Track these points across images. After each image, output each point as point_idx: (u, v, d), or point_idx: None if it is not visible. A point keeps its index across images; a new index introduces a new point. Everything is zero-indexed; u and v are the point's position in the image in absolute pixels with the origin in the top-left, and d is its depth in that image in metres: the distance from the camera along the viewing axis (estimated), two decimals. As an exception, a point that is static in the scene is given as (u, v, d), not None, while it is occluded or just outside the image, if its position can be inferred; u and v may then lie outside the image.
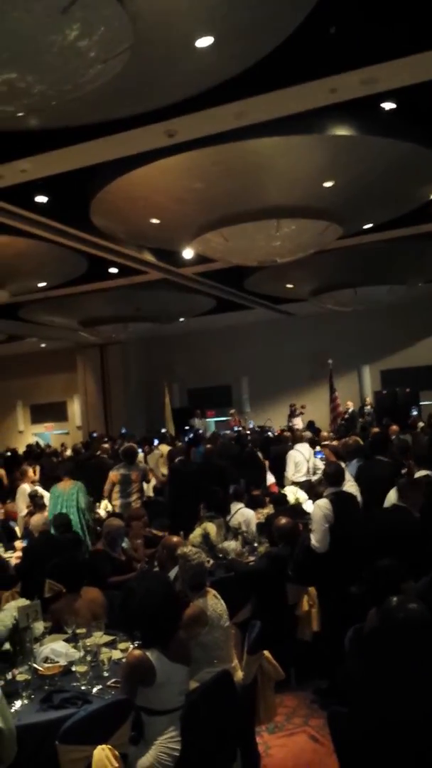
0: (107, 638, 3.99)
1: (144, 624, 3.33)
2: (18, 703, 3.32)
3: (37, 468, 11.21)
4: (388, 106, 6.37)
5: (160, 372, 20.04)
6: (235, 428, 16.29)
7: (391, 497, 5.24)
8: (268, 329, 19.26)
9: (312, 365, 17.99)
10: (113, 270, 11.82)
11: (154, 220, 9.04)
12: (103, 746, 2.92)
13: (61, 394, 22.35)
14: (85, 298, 13.74)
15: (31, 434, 22.50)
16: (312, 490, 7.38)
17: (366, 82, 5.49)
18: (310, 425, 15.23)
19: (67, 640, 3.98)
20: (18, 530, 8.19)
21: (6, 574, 5.93)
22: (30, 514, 8.04)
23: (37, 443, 19.69)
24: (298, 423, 15.92)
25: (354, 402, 16.99)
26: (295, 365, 18.71)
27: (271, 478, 10.19)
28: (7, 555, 6.86)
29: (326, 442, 10.05)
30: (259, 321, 18.77)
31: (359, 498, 5.70)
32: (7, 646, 3.83)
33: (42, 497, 8.19)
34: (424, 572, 4.01)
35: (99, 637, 3.92)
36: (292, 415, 16.72)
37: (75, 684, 3.49)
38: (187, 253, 10.58)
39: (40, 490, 8.67)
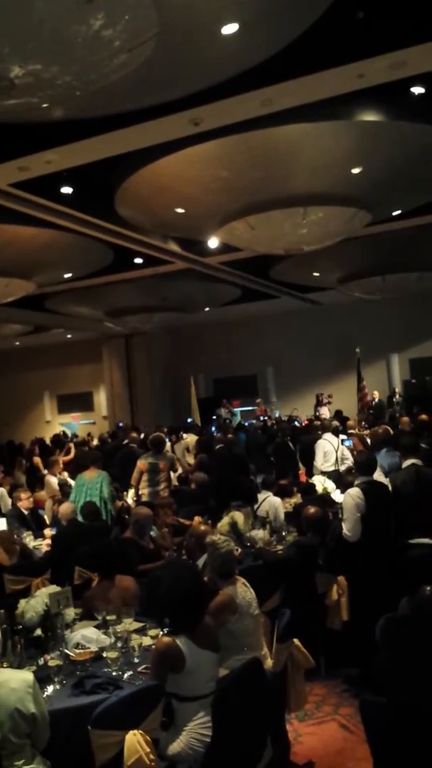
0: (137, 625, 4.03)
1: (170, 610, 3.36)
2: (50, 689, 3.37)
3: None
4: (417, 90, 6.26)
5: (185, 362, 20.09)
6: (262, 417, 16.28)
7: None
8: (294, 318, 19.16)
9: (339, 354, 17.87)
10: (138, 260, 11.84)
11: (180, 210, 9.02)
12: (135, 731, 2.94)
13: (87, 384, 22.54)
14: (111, 288, 13.79)
15: (57, 424, 22.74)
16: (340, 479, 7.35)
17: (394, 66, 5.41)
18: (338, 414, 15.17)
19: (97, 627, 4.03)
20: (47, 518, 8.29)
21: (36, 562, 6.01)
22: (59, 502, 8.14)
23: (64, 433, 19.90)
24: (325, 412, 15.85)
25: (382, 391, 16.84)
26: (322, 354, 18.60)
27: (301, 468, 10.19)
28: (36, 543, 6.94)
29: (352, 431, 9.99)
30: (285, 310, 18.67)
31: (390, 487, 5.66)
32: (38, 632, 3.88)
33: (70, 486, 8.28)
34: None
35: (129, 624, 3.96)
36: (319, 404, 16.64)
37: (106, 670, 3.54)
38: (213, 243, 10.55)
39: (68, 479, 8.77)
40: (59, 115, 5.88)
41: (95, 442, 15.12)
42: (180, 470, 10.35)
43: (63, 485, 8.73)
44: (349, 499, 5.04)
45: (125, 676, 3.47)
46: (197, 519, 6.18)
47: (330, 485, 7.44)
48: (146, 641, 3.80)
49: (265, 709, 3.51)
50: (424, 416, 10.70)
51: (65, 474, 10.01)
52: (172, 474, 8.76)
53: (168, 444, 10.27)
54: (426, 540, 5.04)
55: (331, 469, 8.79)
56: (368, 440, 8.66)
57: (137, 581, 4.58)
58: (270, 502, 6.79)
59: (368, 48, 5.18)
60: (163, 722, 3.28)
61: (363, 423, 12.68)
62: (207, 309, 17.13)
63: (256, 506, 6.90)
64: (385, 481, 5.77)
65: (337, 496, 7.01)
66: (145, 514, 5.97)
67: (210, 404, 18.78)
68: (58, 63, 4.63)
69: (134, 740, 2.92)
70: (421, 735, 2.72)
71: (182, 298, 15.24)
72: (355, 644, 4.92)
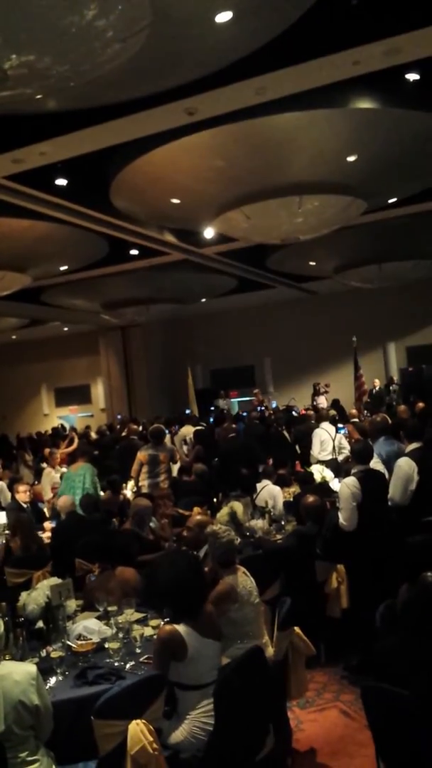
0: (138, 615, 4.04)
1: (170, 598, 3.38)
2: (53, 680, 3.39)
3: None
4: (412, 77, 6.24)
5: (182, 353, 20.07)
6: (259, 408, 16.29)
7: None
8: (290, 308, 19.15)
9: (336, 343, 17.86)
10: (134, 252, 11.82)
11: (175, 200, 9.00)
12: (138, 721, 2.96)
13: (84, 377, 22.53)
14: (107, 280, 13.76)
15: (55, 417, 22.73)
16: (339, 468, 7.37)
17: (389, 53, 5.38)
18: (335, 404, 15.18)
19: (98, 618, 4.05)
20: (46, 511, 8.32)
21: (37, 555, 6.03)
22: (57, 495, 8.19)
23: (62, 426, 19.90)
24: (323, 402, 15.85)
25: (379, 380, 16.86)
26: (319, 344, 18.60)
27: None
28: (36, 535, 6.96)
29: (355, 420, 9.99)
30: (281, 300, 18.66)
31: (387, 476, 5.68)
32: (40, 624, 3.90)
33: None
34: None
35: (130, 614, 3.97)
36: (317, 393, 16.65)
37: (108, 660, 3.55)
38: (209, 233, 10.53)
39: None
40: (53, 107, 5.85)
41: (93, 435, 15.13)
42: (179, 461, 10.37)
43: (62, 478, 8.73)
44: (345, 488, 5.05)
45: (127, 666, 3.49)
46: (196, 510, 6.20)
47: (328, 474, 7.45)
48: (148, 631, 3.81)
49: (267, 697, 3.53)
50: (421, 404, 10.70)
51: (64, 467, 10.02)
52: (172, 465, 8.78)
53: (168, 436, 10.29)
54: None
55: (329, 458, 8.82)
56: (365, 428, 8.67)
57: (137, 572, 4.60)
58: (269, 491, 6.82)
59: (363, 35, 5.15)
60: (166, 711, 3.30)
61: (365, 411, 12.68)
62: (203, 300, 17.11)
63: (254, 495, 6.92)
64: (383, 469, 5.79)
65: (335, 485, 7.03)
66: (145, 505, 5.99)
67: (208, 395, 18.77)
68: (52, 53, 4.60)
69: (137, 730, 2.93)
70: (422, 721, 2.74)
71: (179, 289, 15.22)
72: (355, 631, 4.95)
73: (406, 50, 5.40)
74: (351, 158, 7.83)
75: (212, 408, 17.46)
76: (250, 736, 3.36)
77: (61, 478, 9.04)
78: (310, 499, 5.64)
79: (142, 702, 3.05)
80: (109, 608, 4.06)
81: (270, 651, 3.90)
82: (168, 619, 3.45)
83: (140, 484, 8.23)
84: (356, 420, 10.97)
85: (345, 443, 8.98)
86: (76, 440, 12.40)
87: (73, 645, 3.72)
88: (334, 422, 9.59)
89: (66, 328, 20.50)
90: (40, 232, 9.72)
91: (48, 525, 7.25)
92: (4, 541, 6.76)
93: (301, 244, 10.77)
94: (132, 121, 6.20)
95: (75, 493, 7.43)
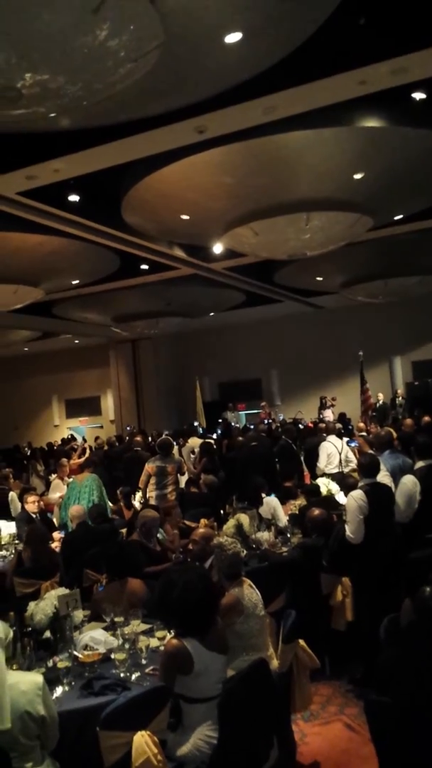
0: (144, 626, 4.07)
1: (182, 616, 3.36)
2: (59, 690, 3.41)
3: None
4: (418, 96, 6.32)
5: (191, 366, 20.15)
6: (266, 421, 16.31)
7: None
8: (297, 322, 19.21)
9: (342, 357, 17.90)
10: (144, 266, 11.92)
11: (185, 216, 9.09)
12: (143, 732, 2.98)
13: (94, 389, 22.65)
14: (118, 294, 13.87)
15: (66, 428, 22.84)
16: (344, 481, 7.38)
17: (396, 72, 5.45)
18: (342, 417, 15.18)
19: (105, 629, 4.08)
20: (55, 521, 8.36)
21: (45, 565, 6.06)
22: (62, 505, 8.27)
23: (72, 436, 19.99)
24: (329, 415, 15.87)
25: (385, 393, 16.87)
26: (325, 358, 18.64)
27: (305, 470, 10.23)
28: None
29: (363, 433, 9.99)
30: (288, 314, 18.72)
31: (394, 489, 5.70)
32: (47, 634, 3.93)
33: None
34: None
35: (137, 626, 4.00)
36: (323, 407, 16.67)
37: (114, 671, 3.58)
38: (217, 248, 10.62)
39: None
40: (66, 124, 5.95)
41: (105, 447, 15.20)
42: (187, 473, 10.41)
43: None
44: (352, 501, 5.07)
45: (133, 677, 3.51)
46: (203, 522, 6.23)
47: (334, 487, 7.47)
48: (154, 643, 3.84)
49: (271, 710, 3.54)
50: (427, 418, 10.70)
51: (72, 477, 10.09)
52: (180, 477, 8.82)
53: (175, 447, 10.33)
54: None
55: (335, 471, 8.83)
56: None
57: (144, 583, 4.63)
58: (267, 503, 6.85)
59: (370, 55, 5.23)
60: (171, 723, 3.31)
61: (372, 424, 12.68)
62: (212, 314, 17.19)
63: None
64: (390, 482, 5.81)
65: (340, 498, 7.04)
66: (152, 516, 6.02)
67: (216, 408, 18.83)
68: (65, 73, 4.69)
69: (142, 741, 2.95)
70: (426, 735, 2.75)
71: (188, 303, 15.31)
72: (359, 644, 4.95)
73: (413, 70, 5.48)
74: (358, 176, 7.90)
75: (220, 420, 17.51)
76: (255, 748, 3.36)
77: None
78: (316, 512, 5.66)
79: (147, 713, 3.07)
80: (116, 619, 4.10)
81: (275, 663, 3.91)
82: (176, 633, 3.45)
83: (148, 495, 8.27)
84: (363, 434, 10.99)
85: (352, 456, 9.00)
86: (89, 452, 12.49)
87: (80, 655, 3.75)
88: (340, 435, 9.61)
89: (77, 341, 20.64)
90: (53, 247, 9.84)
91: (57, 535, 7.29)
92: (13, 551, 6.81)
93: (309, 259, 10.84)
94: (143, 139, 6.29)
95: (82, 503, 7.50)
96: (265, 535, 5.99)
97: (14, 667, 3.41)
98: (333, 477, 8.22)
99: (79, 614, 4.20)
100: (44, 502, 8.55)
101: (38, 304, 13.11)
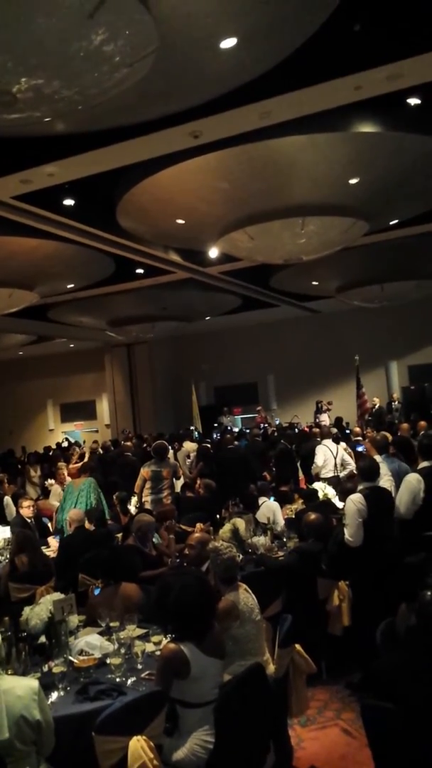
0: (140, 631, 4.06)
1: (180, 620, 3.36)
2: (54, 695, 3.40)
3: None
4: (413, 101, 6.34)
5: (187, 370, 20.16)
6: (262, 425, 16.32)
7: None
8: (293, 327, 19.25)
9: (338, 361, 17.94)
10: (140, 270, 11.93)
11: (180, 221, 9.10)
12: (139, 737, 2.97)
13: (90, 393, 22.64)
14: (113, 298, 13.87)
15: (61, 432, 22.80)
16: (339, 486, 7.39)
17: (391, 78, 5.47)
18: (338, 422, 15.20)
19: (101, 633, 4.07)
20: (51, 526, 8.35)
21: (40, 570, 6.05)
22: (60, 509, 8.25)
23: (67, 440, 19.96)
24: (325, 419, 15.88)
25: (381, 398, 16.90)
26: (321, 362, 18.67)
27: (301, 475, 10.23)
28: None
29: (358, 438, 9.99)
30: (284, 318, 18.77)
31: (394, 493, 5.72)
32: (43, 639, 3.92)
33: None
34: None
35: (132, 630, 3.99)
36: (319, 411, 16.69)
37: (110, 676, 3.56)
38: (213, 253, 10.63)
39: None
40: (61, 129, 5.95)
41: (99, 451, 15.19)
42: (182, 478, 10.40)
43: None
44: (351, 504, 5.07)
45: (129, 682, 3.50)
46: (199, 526, 6.22)
47: (330, 491, 7.48)
48: (149, 647, 3.83)
49: (268, 715, 3.53)
50: (422, 423, 10.73)
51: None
52: (175, 481, 8.81)
53: (171, 452, 10.33)
54: None
55: (330, 475, 8.84)
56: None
57: (140, 588, 4.61)
58: (268, 506, 6.85)
59: (365, 60, 5.25)
60: (167, 728, 3.30)
61: (369, 428, 12.71)
62: (208, 318, 17.21)
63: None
64: (390, 486, 5.82)
65: (336, 502, 7.05)
66: (148, 521, 6.01)
67: (212, 412, 18.82)
68: (60, 78, 4.69)
69: (138, 746, 2.95)
70: (423, 739, 2.75)
71: (183, 308, 15.32)
72: (356, 649, 4.95)
73: (408, 75, 5.49)
74: (353, 180, 7.92)
75: (216, 425, 17.51)
76: (251, 753, 3.36)
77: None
78: (312, 516, 5.66)
79: (143, 718, 3.06)
80: (111, 624, 4.08)
81: (271, 668, 3.90)
82: (173, 637, 3.44)
83: (143, 500, 8.25)
84: (359, 438, 11.00)
85: (348, 459, 9.01)
86: (87, 456, 12.47)
87: (75, 660, 3.73)
88: (336, 440, 9.62)
89: (72, 345, 20.63)
90: (48, 251, 9.83)
91: (53, 540, 7.27)
92: (8, 556, 6.78)
93: (304, 264, 10.86)
94: (138, 144, 6.30)
95: (80, 506, 7.49)
96: (261, 540, 5.98)
97: (9, 672, 3.40)
98: (328, 481, 8.23)
99: (74, 619, 4.18)
100: (39, 507, 8.53)
101: (33, 308, 13.09)
